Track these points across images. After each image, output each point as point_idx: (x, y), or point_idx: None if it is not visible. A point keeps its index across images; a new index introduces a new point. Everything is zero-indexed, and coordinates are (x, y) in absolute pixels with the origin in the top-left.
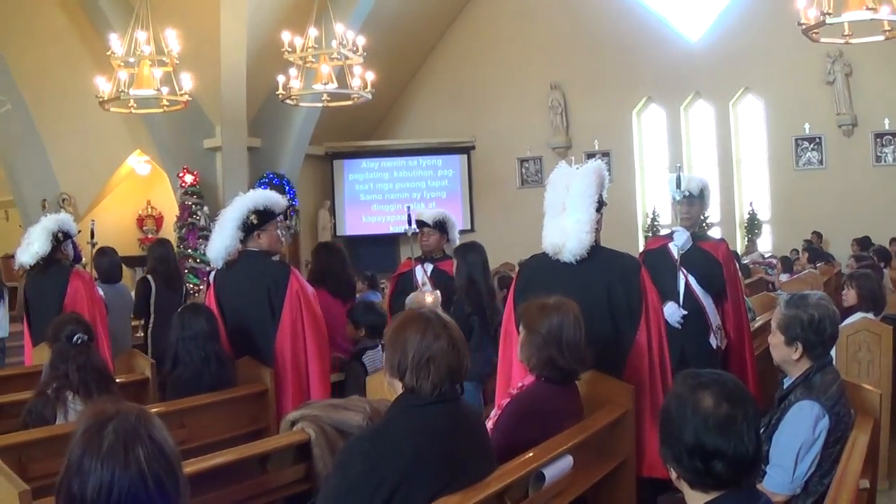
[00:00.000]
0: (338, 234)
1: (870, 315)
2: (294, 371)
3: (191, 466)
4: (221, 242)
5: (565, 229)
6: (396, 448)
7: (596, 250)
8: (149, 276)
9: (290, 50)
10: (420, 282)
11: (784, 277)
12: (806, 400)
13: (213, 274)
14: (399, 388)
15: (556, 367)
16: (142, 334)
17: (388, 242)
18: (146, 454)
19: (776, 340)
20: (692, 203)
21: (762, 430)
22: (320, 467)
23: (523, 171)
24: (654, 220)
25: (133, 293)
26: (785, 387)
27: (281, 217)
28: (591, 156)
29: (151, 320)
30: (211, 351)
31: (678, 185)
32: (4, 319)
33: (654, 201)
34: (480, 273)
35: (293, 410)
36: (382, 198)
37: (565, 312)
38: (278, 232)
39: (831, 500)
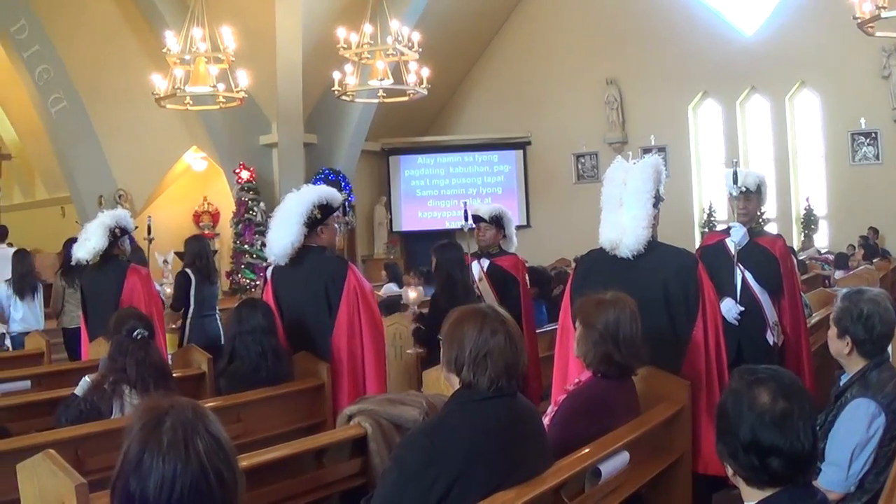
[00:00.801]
0: (394, 229)
1: None
2: (350, 366)
3: (247, 461)
4: (287, 238)
5: (622, 225)
6: (454, 443)
7: (653, 246)
8: (188, 270)
9: (345, 46)
10: (476, 277)
11: (839, 274)
12: (862, 398)
13: (270, 269)
14: (456, 382)
15: (613, 362)
16: (179, 323)
17: (443, 238)
18: (206, 448)
19: (832, 332)
20: (749, 198)
21: (818, 427)
22: (376, 462)
23: (579, 166)
24: (710, 215)
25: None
26: (842, 384)
27: (339, 212)
28: (647, 151)
29: (191, 311)
30: (268, 345)
31: (735, 181)
32: (39, 312)
33: (711, 197)
34: (458, 269)
35: (349, 405)
36: (438, 193)
37: (622, 308)
38: (336, 227)
39: (886, 497)
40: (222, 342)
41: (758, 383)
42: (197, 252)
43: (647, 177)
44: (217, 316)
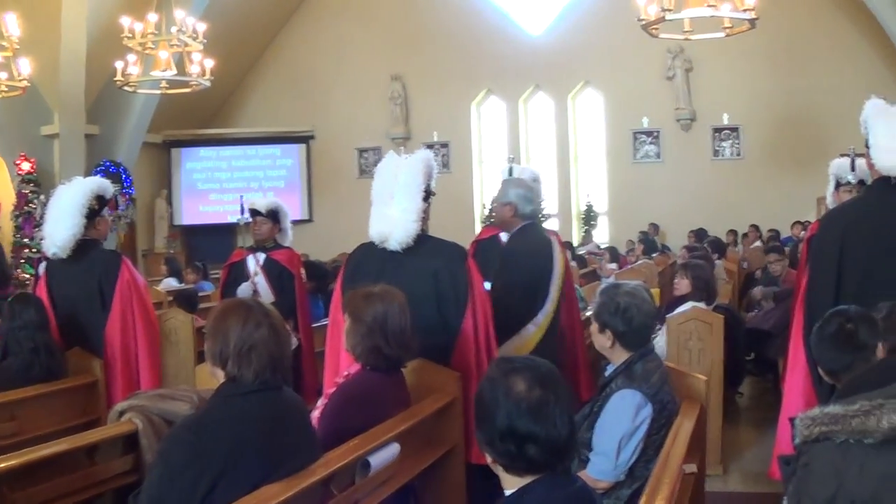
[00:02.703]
0: (175, 223)
1: (701, 304)
2: (124, 361)
3: (18, 458)
4: (69, 230)
5: (392, 218)
6: (217, 437)
7: (423, 239)
8: None
9: (129, 36)
10: (252, 272)
11: (612, 266)
12: (627, 389)
13: (43, 264)
14: (222, 376)
15: (382, 355)
16: None
17: (226, 232)
18: None
19: (593, 327)
20: None
21: (585, 417)
22: (148, 458)
23: (362, 161)
24: (491, 211)
25: None
26: (606, 375)
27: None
28: (430, 147)
29: None
30: (41, 341)
31: (510, 176)
32: None
33: (493, 193)
34: None
35: (122, 401)
36: (220, 187)
37: (390, 301)
38: (109, 218)
39: (654, 483)
40: None
41: (514, 372)
42: None
43: (418, 171)
44: None
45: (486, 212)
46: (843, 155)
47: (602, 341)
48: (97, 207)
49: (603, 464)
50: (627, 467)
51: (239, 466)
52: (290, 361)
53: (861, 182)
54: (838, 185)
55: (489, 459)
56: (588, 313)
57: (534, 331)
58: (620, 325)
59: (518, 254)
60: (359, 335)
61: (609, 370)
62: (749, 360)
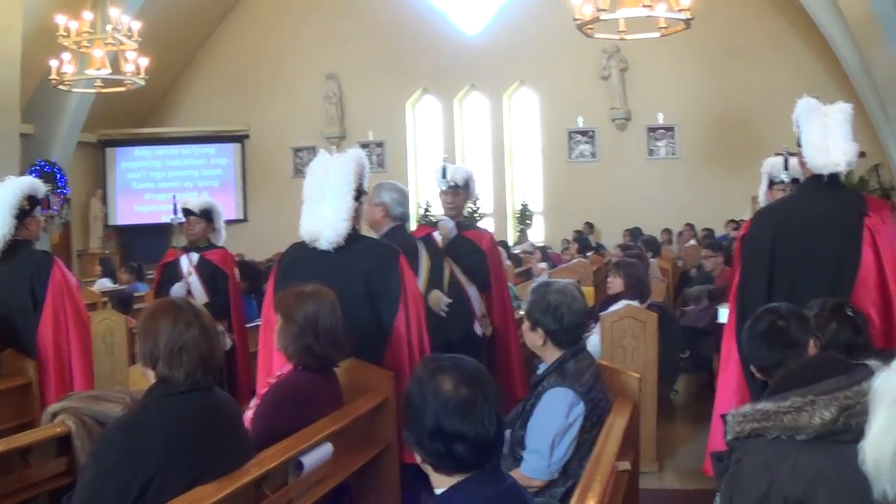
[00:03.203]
0: (109, 223)
1: (635, 303)
2: (57, 363)
3: None
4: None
5: (323, 217)
6: (149, 438)
7: (354, 238)
8: None
9: (64, 34)
10: (185, 272)
11: (543, 266)
12: (559, 387)
13: None
14: (152, 377)
15: (314, 354)
16: None
17: (160, 232)
18: None
19: (525, 325)
20: (457, 193)
21: (518, 415)
22: (81, 459)
23: (297, 160)
24: (426, 210)
25: None
26: (539, 373)
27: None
28: (364, 146)
29: None
30: None
31: (443, 176)
32: None
33: (428, 192)
34: None
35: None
36: (155, 186)
37: (322, 300)
38: (41, 218)
39: (586, 481)
40: None
41: (441, 371)
42: None
43: (349, 170)
44: None
45: (422, 211)
46: (776, 154)
47: (534, 339)
48: (28, 207)
49: (536, 462)
50: (561, 465)
51: (171, 467)
52: (222, 362)
53: (795, 181)
54: (772, 183)
55: (419, 459)
56: (521, 312)
57: None
58: (551, 323)
59: None
60: (290, 335)
61: (541, 368)
62: (684, 357)
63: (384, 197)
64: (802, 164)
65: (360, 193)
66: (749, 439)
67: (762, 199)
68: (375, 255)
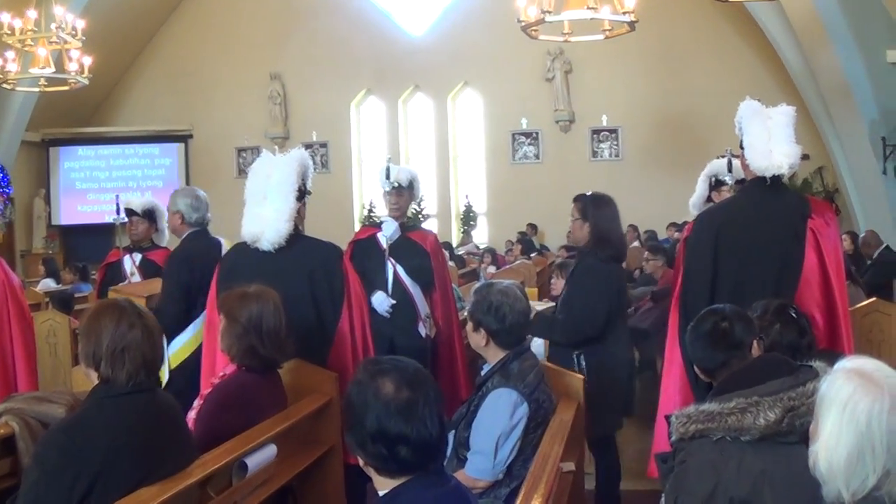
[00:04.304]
0: (53, 223)
1: None
2: (0, 363)
3: None
4: None
5: (264, 218)
6: (92, 439)
7: (296, 239)
8: None
9: (9, 32)
10: (129, 272)
11: (492, 269)
12: (503, 388)
13: None
14: (95, 378)
15: (257, 355)
16: None
17: (104, 232)
18: None
19: (469, 326)
20: (401, 194)
21: (463, 416)
22: (25, 461)
23: (241, 161)
24: (370, 211)
25: None
26: (483, 373)
27: None
28: (308, 147)
29: None
30: None
31: (387, 176)
32: None
33: (372, 193)
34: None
35: None
36: (98, 186)
37: (265, 301)
38: None
39: (531, 482)
40: None
41: (381, 374)
42: None
43: (292, 170)
44: None
45: (366, 212)
46: (720, 156)
47: (477, 340)
48: None
49: (481, 463)
50: (505, 466)
51: (115, 469)
52: (163, 363)
53: (739, 181)
54: (718, 184)
55: (361, 462)
56: (465, 313)
57: (195, 332)
58: (494, 323)
59: (181, 258)
60: (234, 335)
61: (485, 369)
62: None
63: (179, 204)
64: (745, 166)
65: (303, 194)
66: (693, 440)
67: (694, 202)
68: (319, 255)
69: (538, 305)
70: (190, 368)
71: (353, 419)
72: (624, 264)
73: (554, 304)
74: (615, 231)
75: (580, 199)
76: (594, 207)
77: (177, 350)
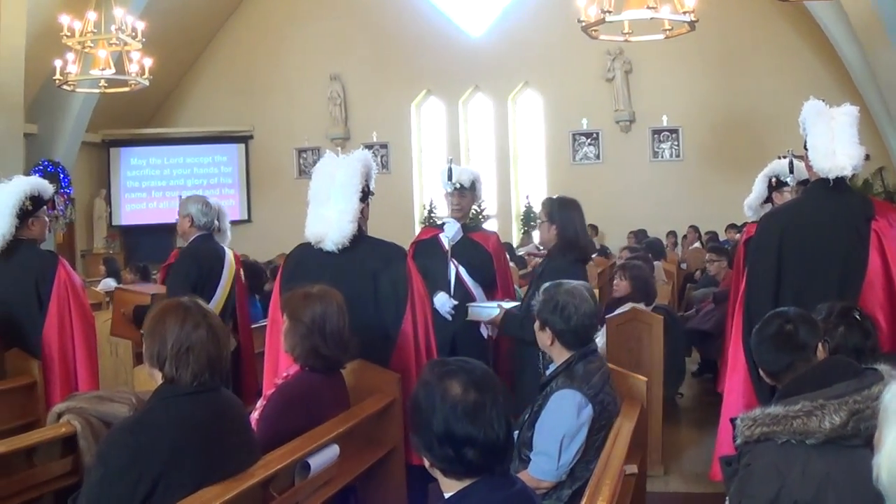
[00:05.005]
0: (113, 223)
1: (641, 305)
2: (62, 363)
3: None
4: None
5: (328, 219)
6: (156, 439)
7: (360, 239)
8: None
9: (68, 34)
10: None
11: None
12: (567, 389)
13: None
14: (159, 378)
15: (320, 356)
16: None
17: (164, 232)
18: None
19: (536, 325)
20: (463, 195)
21: (525, 417)
22: (87, 460)
23: (301, 161)
24: (431, 211)
25: None
26: (547, 374)
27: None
28: (369, 147)
29: None
30: None
31: (449, 177)
32: None
33: (432, 193)
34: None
35: (60, 402)
36: (158, 186)
37: (329, 301)
38: (46, 219)
39: (594, 484)
40: None
41: (449, 375)
42: None
43: (355, 171)
44: None
45: (426, 212)
46: (781, 157)
47: (543, 339)
48: (31, 208)
49: (545, 464)
50: (569, 468)
51: (178, 469)
52: (229, 363)
53: (802, 182)
54: (780, 185)
55: (427, 464)
56: None
57: None
58: (559, 323)
59: (189, 257)
60: (297, 336)
61: (550, 369)
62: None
63: (190, 209)
64: (808, 167)
65: (366, 195)
66: (759, 443)
67: (752, 204)
68: (382, 255)
69: (506, 304)
70: None
71: (421, 421)
72: (684, 265)
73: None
74: (581, 233)
75: (546, 203)
76: (560, 210)
77: None
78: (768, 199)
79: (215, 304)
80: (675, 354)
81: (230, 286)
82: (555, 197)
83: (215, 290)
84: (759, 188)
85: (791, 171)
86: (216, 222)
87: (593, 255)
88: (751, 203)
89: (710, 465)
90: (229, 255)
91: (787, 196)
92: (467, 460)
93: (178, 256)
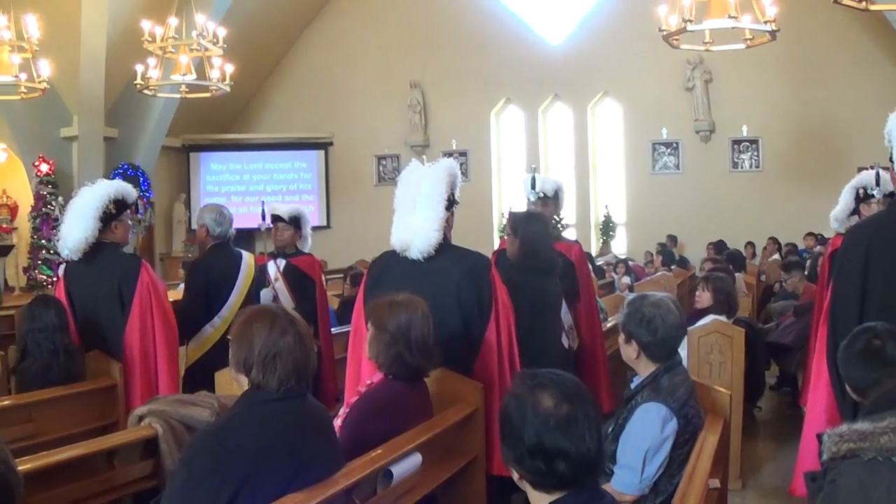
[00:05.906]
0: (193, 227)
1: (722, 317)
2: (143, 366)
3: (38, 461)
4: (82, 233)
5: (414, 227)
6: (241, 444)
7: (445, 248)
8: None
9: (149, 39)
10: (272, 277)
11: (627, 280)
12: (652, 402)
13: (62, 266)
14: (245, 383)
15: (405, 364)
16: None
17: (244, 237)
18: None
19: (621, 338)
20: (546, 204)
21: (610, 430)
22: (168, 463)
23: (381, 168)
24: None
25: None
26: (633, 387)
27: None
28: (448, 155)
29: None
30: (60, 343)
31: (533, 186)
32: None
33: (511, 202)
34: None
35: (141, 405)
36: (238, 192)
37: (413, 309)
38: (129, 223)
39: (679, 499)
40: None
41: (540, 388)
42: None
43: (441, 180)
44: None
45: (505, 221)
46: (865, 168)
47: (628, 352)
48: (114, 211)
49: (628, 477)
50: (652, 481)
51: (262, 475)
52: (315, 369)
53: (889, 195)
54: (867, 197)
55: (516, 476)
56: (608, 324)
57: (211, 332)
58: (645, 335)
59: (202, 266)
60: (382, 344)
61: (635, 382)
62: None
63: (205, 219)
64: (894, 179)
65: (451, 203)
66: (845, 460)
67: (839, 216)
68: (467, 264)
69: None
70: (207, 363)
71: (511, 433)
72: (763, 277)
73: None
74: (544, 246)
75: (512, 217)
76: (524, 224)
77: (198, 345)
78: (855, 211)
79: (230, 307)
80: (756, 367)
81: (247, 289)
82: (520, 212)
83: (229, 295)
84: (845, 200)
85: (877, 184)
86: (231, 230)
87: (672, 266)
88: (837, 215)
89: (788, 479)
90: (247, 259)
91: (874, 208)
92: (558, 474)
93: (193, 266)
